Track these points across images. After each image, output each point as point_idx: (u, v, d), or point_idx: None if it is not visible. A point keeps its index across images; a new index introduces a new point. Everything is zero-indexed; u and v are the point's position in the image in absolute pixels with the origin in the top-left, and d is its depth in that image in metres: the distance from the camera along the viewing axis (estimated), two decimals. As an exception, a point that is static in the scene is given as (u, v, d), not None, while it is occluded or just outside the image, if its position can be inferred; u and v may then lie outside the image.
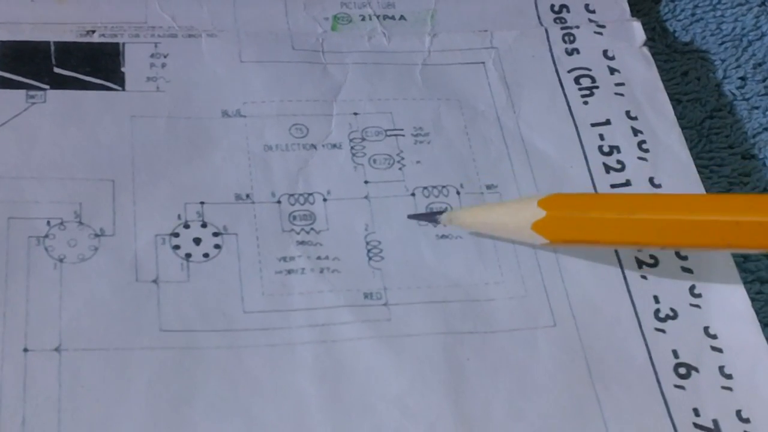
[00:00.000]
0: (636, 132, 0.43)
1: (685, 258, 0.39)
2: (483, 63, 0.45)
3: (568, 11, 0.47)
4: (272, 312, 0.36)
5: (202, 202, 0.39)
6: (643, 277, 0.39)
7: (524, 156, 0.42)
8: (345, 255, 0.38)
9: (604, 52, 0.45)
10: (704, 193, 0.41)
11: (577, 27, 0.46)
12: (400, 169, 0.41)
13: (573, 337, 0.37)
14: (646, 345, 0.37)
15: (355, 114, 0.42)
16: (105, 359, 0.34)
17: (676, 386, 0.36)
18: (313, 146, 0.41)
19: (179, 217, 0.38)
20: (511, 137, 0.42)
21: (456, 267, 0.38)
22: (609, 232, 0.36)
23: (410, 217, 0.39)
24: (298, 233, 0.38)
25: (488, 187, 0.41)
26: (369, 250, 0.38)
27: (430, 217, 0.39)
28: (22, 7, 0.43)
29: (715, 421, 0.35)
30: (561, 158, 0.42)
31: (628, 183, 0.41)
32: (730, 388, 0.36)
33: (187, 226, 0.38)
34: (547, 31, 0.46)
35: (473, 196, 0.40)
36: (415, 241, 0.39)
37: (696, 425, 0.35)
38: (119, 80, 0.42)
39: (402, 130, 0.42)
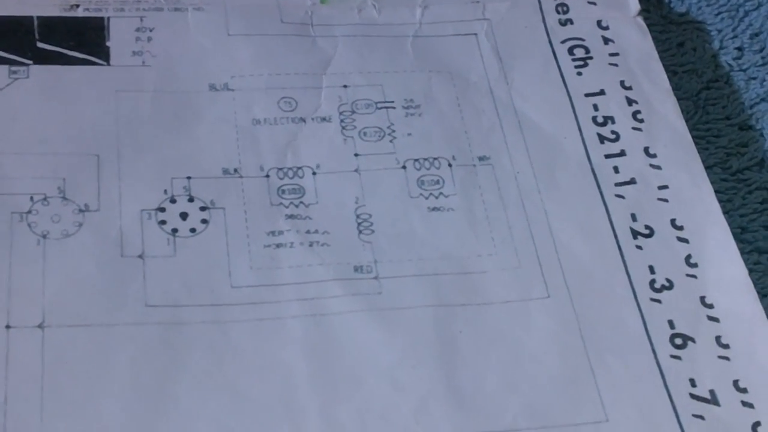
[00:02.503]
0: (630, 102, 0.42)
1: (681, 228, 0.38)
2: (475, 34, 0.44)
3: (562, -19, 0.46)
4: (260, 286, 0.36)
5: (188, 177, 0.38)
6: (638, 247, 0.38)
7: (517, 127, 0.41)
8: (335, 228, 0.37)
9: (598, 22, 0.45)
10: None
11: (571, -3, 0.45)
12: (390, 141, 0.40)
13: (567, 308, 0.36)
14: (642, 315, 0.36)
15: (345, 87, 0.41)
16: (89, 335, 0.34)
17: (672, 356, 0.35)
18: (302, 120, 0.40)
19: (165, 191, 0.37)
20: (503, 108, 0.41)
21: (448, 239, 0.38)
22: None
23: None
24: (287, 207, 0.38)
25: (480, 158, 0.40)
26: (359, 224, 0.38)
27: None
28: (5, -17, 0.43)
29: (712, 392, 0.35)
30: (554, 129, 0.41)
31: (622, 153, 0.40)
32: (727, 358, 0.35)
33: (173, 201, 0.37)
34: (540, 1, 0.45)
35: (465, 168, 0.40)
36: (406, 213, 0.38)
37: (693, 396, 0.35)
38: (104, 55, 0.41)
39: (393, 102, 0.41)
